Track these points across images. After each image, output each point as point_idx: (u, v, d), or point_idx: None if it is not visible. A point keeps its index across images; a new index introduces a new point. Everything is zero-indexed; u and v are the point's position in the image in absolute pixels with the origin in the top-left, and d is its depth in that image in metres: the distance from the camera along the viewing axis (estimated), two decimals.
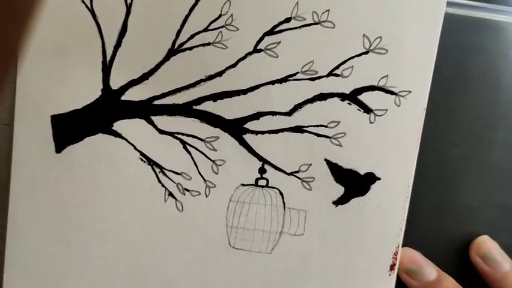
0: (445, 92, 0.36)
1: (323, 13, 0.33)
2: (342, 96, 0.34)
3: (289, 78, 0.34)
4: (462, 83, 0.36)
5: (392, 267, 0.36)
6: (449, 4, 0.33)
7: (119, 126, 0.34)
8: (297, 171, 0.35)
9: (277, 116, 0.34)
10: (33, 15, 0.16)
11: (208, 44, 0.33)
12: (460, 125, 0.36)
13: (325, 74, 0.34)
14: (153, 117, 0.34)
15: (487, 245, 0.37)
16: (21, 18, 0.16)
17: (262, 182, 0.35)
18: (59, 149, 0.34)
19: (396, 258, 0.36)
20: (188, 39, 0.33)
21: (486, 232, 0.37)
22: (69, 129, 0.34)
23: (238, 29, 0.33)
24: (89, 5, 0.33)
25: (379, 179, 0.35)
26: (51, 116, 0.34)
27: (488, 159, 0.37)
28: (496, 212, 0.37)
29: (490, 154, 0.37)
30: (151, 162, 0.35)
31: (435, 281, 0.36)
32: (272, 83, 0.34)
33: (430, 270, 0.36)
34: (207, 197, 0.35)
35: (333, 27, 0.33)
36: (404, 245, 0.36)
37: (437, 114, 0.36)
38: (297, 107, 0.34)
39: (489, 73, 0.36)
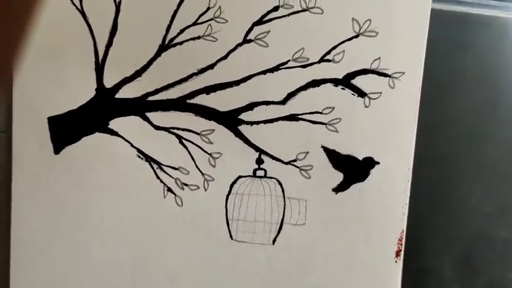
0: (436, 88, 0.35)
1: None
2: (335, 82, 0.34)
3: (281, 67, 0.34)
4: (453, 78, 0.36)
5: (397, 254, 0.35)
6: (436, 0, 0.33)
7: (115, 124, 0.35)
8: (295, 160, 0.35)
9: (271, 105, 0.34)
10: (32, 16, 0.17)
11: (198, 37, 0.34)
12: (453, 120, 0.36)
13: (316, 61, 0.34)
14: (148, 114, 0.35)
15: None
16: (21, 19, 0.16)
17: (260, 173, 0.35)
18: (57, 150, 0.35)
19: (401, 244, 0.35)
20: (178, 34, 0.34)
21: (482, 227, 0.37)
22: (66, 130, 0.34)
23: (227, 21, 0.33)
24: (79, 6, 0.33)
25: (378, 163, 0.34)
26: (48, 118, 0.34)
27: (484, 154, 0.36)
28: (494, 207, 0.36)
29: (485, 148, 0.36)
30: (149, 159, 0.35)
31: None
32: (264, 72, 0.34)
33: None
34: (205, 190, 0.35)
35: (322, 13, 0.33)
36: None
37: (429, 110, 0.35)
38: (291, 95, 0.34)
39: (479, 67, 0.35)
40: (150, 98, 0.34)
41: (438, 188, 0.36)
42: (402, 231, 0.35)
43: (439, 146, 0.36)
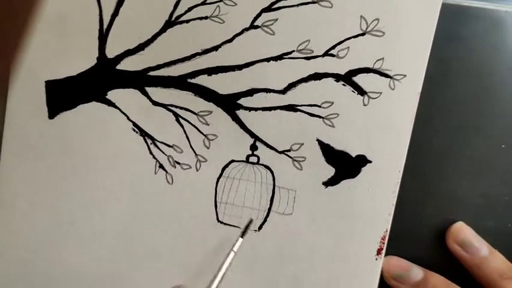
0: (426, 80, 0.35)
1: None
2: (337, 77, 0.34)
3: (285, 56, 0.34)
4: (442, 71, 0.36)
5: (379, 252, 0.35)
6: None
7: (113, 95, 0.34)
8: (289, 150, 0.35)
9: (271, 93, 0.34)
10: (33, 15, 0.16)
11: (206, 17, 0.33)
12: (441, 112, 0.36)
13: (321, 54, 0.34)
14: (147, 88, 0.34)
15: (463, 231, 0.37)
16: (22, 17, 0.16)
17: (253, 159, 0.35)
18: (52, 114, 0.34)
19: (383, 243, 0.35)
20: (186, 11, 0.33)
21: (471, 220, 0.37)
22: (63, 95, 0.34)
23: (236, 4, 0.33)
24: None
25: (370, 162, 0.35)
26: (45, 82, 0.34)
27: (471, 146, 0.37)
28: (480, 199, 0.37)
29: (472, 141, 0.37)
30: (143, 133, 0.35)
31: (423, 280, 0.37)
32: (267, 60, 0.34)
33: (417, 271, 0.37)
34: (197, 171, 0.35)
35: (331, 7, 0.33)
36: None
37: (419, 103, 0.35)
38: (292, 85, 0.34)
39: (468, 60, 0.36)
40: (151, 73, 0.34)
41: (425, 179, 0.37)
42: (386, 230, 0.35)
43: (427, 138, 0.36)
